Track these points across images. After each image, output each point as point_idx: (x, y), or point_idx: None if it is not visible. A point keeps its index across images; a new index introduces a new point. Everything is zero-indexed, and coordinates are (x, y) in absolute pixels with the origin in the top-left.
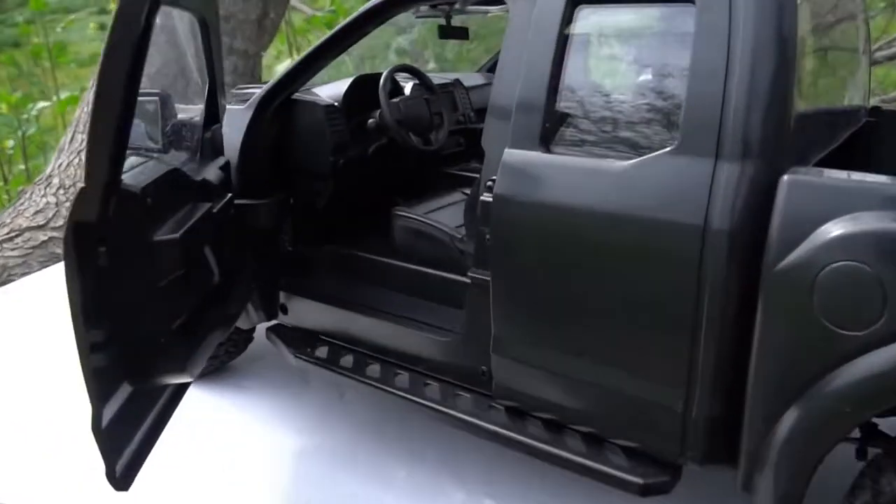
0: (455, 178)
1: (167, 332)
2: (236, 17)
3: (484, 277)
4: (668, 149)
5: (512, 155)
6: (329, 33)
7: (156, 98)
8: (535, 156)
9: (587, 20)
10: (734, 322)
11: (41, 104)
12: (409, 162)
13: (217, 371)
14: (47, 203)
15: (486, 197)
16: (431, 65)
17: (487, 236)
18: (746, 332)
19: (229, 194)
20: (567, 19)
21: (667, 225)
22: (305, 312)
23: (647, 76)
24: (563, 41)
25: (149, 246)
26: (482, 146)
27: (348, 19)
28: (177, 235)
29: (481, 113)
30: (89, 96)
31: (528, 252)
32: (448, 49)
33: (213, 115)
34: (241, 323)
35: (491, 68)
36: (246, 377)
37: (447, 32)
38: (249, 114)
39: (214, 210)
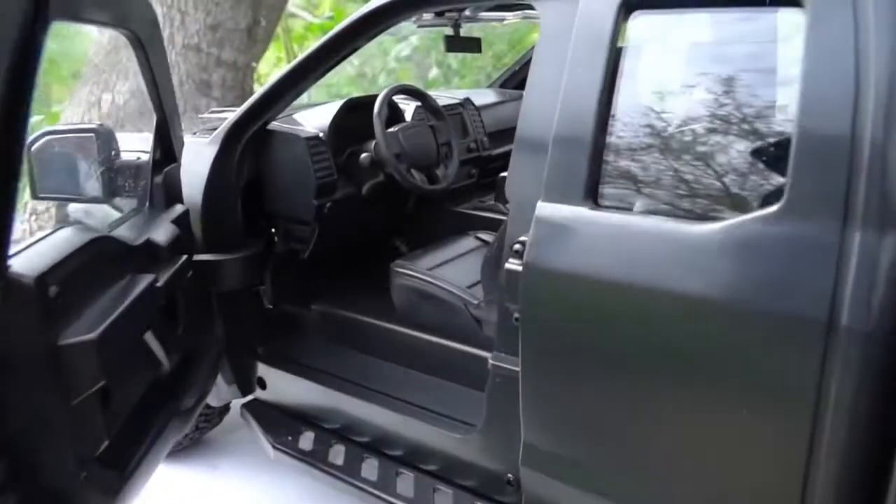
0: (466, 219)
1: (90, 462)
2: (224, 26)
3: (511, 367)
4: (770, 209)
5: (548, 210)
6: (311, 48)
7: (91, 134)
8: (581, 213)
9: (647, 31)
10: (867, 464)
11: (35, 117)
12: (410, 201)
13: (186, 448)
14: None
15: (514, 264)
16: (434, 72)
17: (516, 316)
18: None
19: (184, 256)
20: (620, 29)
21: (769, 318)
22: (288, 388)
23: (734, 107)
24: (614, 58)
25: (53, 352)
26: (506, 195)
27: (333, 31)
28: (93, 336)
29: (495, 138)
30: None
31: (573, 341)
32: (452, 56)
33: (167, 152)
34: (211, 400)
35: (505, 83)
36: (221, 454)
37: (455, 44)
38: (214, 149)
39: (159, 283)
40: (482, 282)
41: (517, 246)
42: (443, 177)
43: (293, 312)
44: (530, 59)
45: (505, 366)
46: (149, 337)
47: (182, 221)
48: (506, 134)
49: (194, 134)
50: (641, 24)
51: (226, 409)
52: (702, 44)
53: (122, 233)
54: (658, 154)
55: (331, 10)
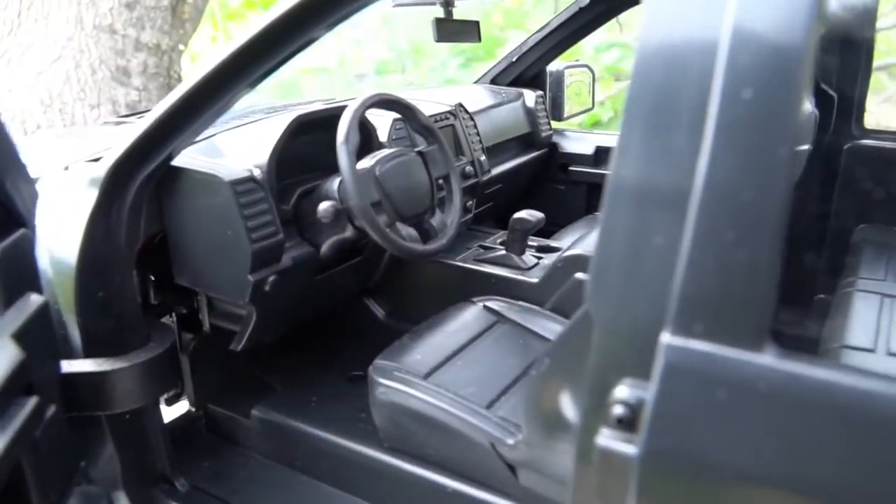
0: (462, 274)
1: None
2: (142, 4)
3: None
4: None
5: (688, 355)
6: (239, 40)
7: None
8: (761, 365)
9: None
10: None
11: None
12: (384, 256)
13: None
14: None
15: (613, 440)
16: (382, 52)
17: None
18: None
19: (32, 400)
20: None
21: None
22: None
23: None
24: None
25: None
26: (589, 307)
27: (274, 14)
28: None
29: (493, 153)
30: None
31: None
32: (403, 33)
33: (4, 215)
34: None
35: (498, 78)
36: None
37: (448, 31)
38: (92, 198)
39: None
40: (525, 416)
41: (619, 409)
42: (440, 229)
43: (226, 420)
44: (531, 48)
45: None
46: None
47: (34, 328)
48: (505, 147)
49: (66, 169)
50: None
51: None
52: None
53: None
54: None
55: None
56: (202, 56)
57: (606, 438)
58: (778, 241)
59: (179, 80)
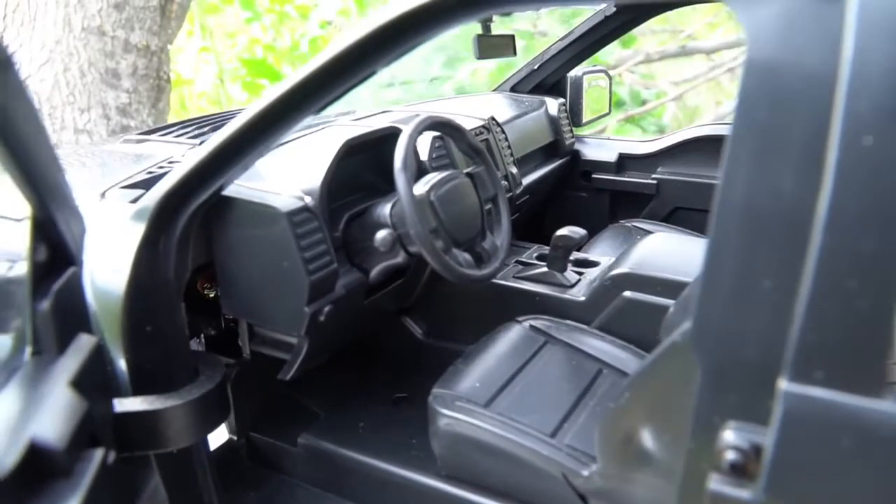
0: (500, 292)
1: None
2: (131, 4)
3: None
4: None
5: (809, 402)
6: (298, 74)
7: None
8: (883, 411)
9: None
10: None
11: None
12: (425, 274)
13: None
14: None
15: (728, 487)
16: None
17: None
18: None
19: (97, 453)
20: None
21: None
22: None
23: None
24: None
25: None
26: (694, 347)
27: (336, 48)
28: None
29: (521, 163)
30: None
31: None
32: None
33: (56, 254)
34: None
35: (518, 86)
36: None
37: (489, 47)
38: (140, 230)
39: None
40: (601, 447)
41: (731, 455)
42: (492, 251)
43: (270, 449)
44: (554, 56)
45: None
46: None
47: (90, 372)
48: (531, 157)
49: (102, 196)
50: None
51: None
52: None
53: None
54: None
55: None
56: (182, 50)
57: (719, 484)
58: None
59: (168, 81)
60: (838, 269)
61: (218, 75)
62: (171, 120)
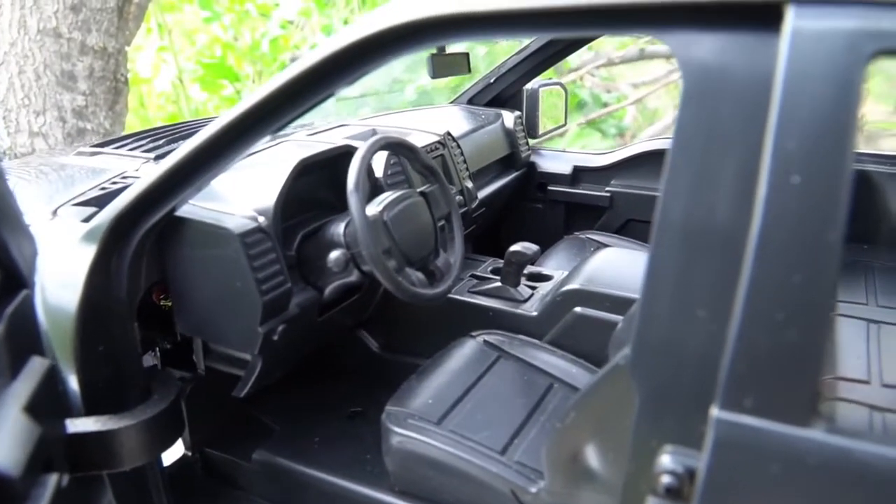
0: (455, 308)
1: None
2: (88, 5)
3: None
4: None
5: (739, 430)
6: (260, 91)
7: None
8: (811, 440)
9: None
10: None
11: None
12: (379, 292)
13: None
14: None
15: None
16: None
17: None
18: None
19: (51, 479)
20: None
21: None
22: None
23: None
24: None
25: None
26: (630, 371)
27: (301, 65)
28: None
29: (477, 177)
30: None
31: None
32: (337, 18)
33: (8, 277)
34: None
35: (475, 98)
36: None
37: (443, 66)
38: (90, 252)
39: None
40: (548, 465)
41: (667, 479)
42: (444, 270)
43: (225, 464)
44: (510, 69)
45: None
46: None
47: (44, 395)
48: (487, 170)
49: (54, 213)
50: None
51: None
52: None
53: None
54: None
55: None
56: (141, 49)
57: None
58: (827, 321)
59: (126, 83)
60: (767, 300)
61: (178, 75)
62: (128, 121)
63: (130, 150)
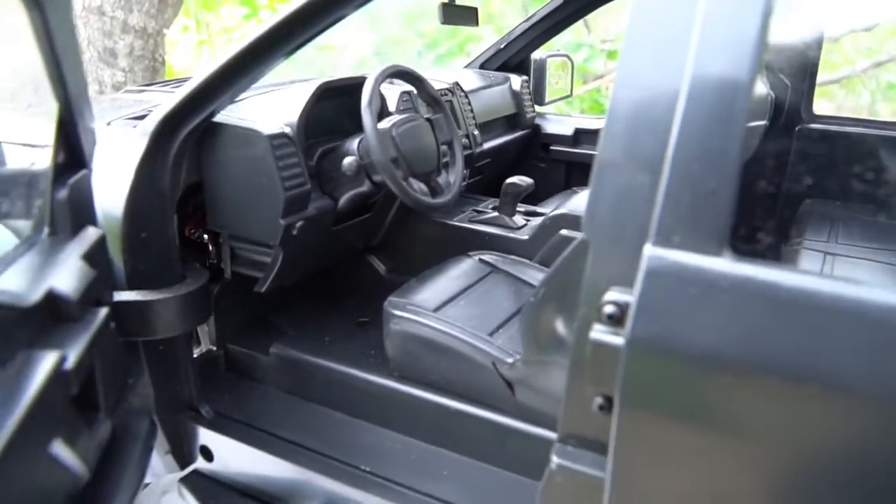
0: (458, 234)
1: None
2: None
3: (587, 471)
4: None
5: (667, 261)
6: (278, 15)
7: None
8: (722, 268)
9: None
10: None
11: None
12: (391, 212)
13: None
14: None
15: (606, 334)
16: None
17: (600, 402)
18: None
19: (103, 310)
20: None
21: None
22: (241, 461)
23: None
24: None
25: None
26: (584, 233)
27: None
28: None
29: (483, 129)
30: None
31: (710, 448)
32: None
33: (74, 155)
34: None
35: (487, 63)
36: None
37: (452, 14)
38: (141, 148)
39: (69, 363)
40: (523, 337)
41: (610, 308)
42: (445, 186)
43: (245, 358)
44: (519, 36)
45: (577, 467)
46: (58, 449)
47: (97, 254)
48: (493, 125)
49: (108, 124)
50: None
51: None
52: None
53: (7, 284)
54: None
55: None
56: (178, 43)
57: (599, 333)
58: (735, 174)
59: (163, 63)
60: (690, 160)
61: None
62: None
63: (174, 87)
